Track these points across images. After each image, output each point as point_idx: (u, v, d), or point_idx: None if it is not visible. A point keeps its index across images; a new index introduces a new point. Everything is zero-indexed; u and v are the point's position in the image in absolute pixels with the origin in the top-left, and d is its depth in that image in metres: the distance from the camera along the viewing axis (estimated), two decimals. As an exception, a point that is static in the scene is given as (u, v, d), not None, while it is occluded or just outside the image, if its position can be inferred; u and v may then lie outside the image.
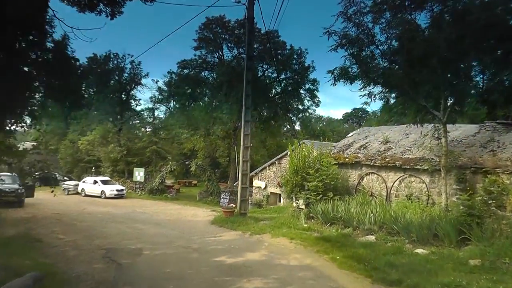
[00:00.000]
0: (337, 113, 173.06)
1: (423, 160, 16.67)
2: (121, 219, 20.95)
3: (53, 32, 17.81)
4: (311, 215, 17.20)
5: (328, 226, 15.71)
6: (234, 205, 20.64)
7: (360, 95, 15.57)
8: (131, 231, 16.66)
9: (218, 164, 51.44)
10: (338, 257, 10.89)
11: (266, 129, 47.76)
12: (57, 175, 46.60)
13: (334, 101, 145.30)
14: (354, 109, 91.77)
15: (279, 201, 32.20)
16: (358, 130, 26.84)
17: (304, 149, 19.90)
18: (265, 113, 48.92)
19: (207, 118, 41.77)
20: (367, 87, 14.90)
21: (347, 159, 19.75)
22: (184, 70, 42.40)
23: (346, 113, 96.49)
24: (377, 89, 15.29)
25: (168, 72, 47.71)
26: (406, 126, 19.02)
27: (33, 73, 19.74)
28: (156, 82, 45.87)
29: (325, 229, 15.36)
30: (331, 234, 14.18)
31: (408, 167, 17.03)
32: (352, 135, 23.94)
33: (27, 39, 18.63)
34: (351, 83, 14.83)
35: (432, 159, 16.29)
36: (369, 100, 15.37)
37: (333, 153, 20.44)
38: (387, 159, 18.14)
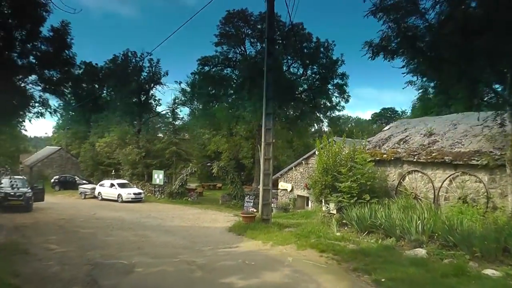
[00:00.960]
0: (364, 115, 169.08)
1: (479, 153, 13.80)
2: (130, 225, 18.83)
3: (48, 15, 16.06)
4: (344, 221, 14.61)
5: (365, 235, 13.09)
6: (255, 210, 18.22)
7: (404, 73, 12.96)
8: (135, 240, 14.46)
9: (243, 166, 49.17)
10: (383, 279, 8.30)
11: (292, 128, 45.24)
12: (76, 179, 45.26)
13: (361, 103, 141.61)
14: (383, 109, 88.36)
15: (307, 205, 29.65)
16: (395, 122, 23.96)
17: (334, 146, 17.25)
18: (291, 112, 46.47)
19: (230, 117, 39.53)
20: (411, 63, 12.24)
21: (384, 155, 16.97)
22: (205, 67, 40.34)
23: (374, 113, 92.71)
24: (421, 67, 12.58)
25: (192, 73, 46.08)
26: (457, 114, 16.18)
27: (30, 66, 17.99)
28: (179, 84, 43.97)
29: (362, 239, 12.74)
30: (370, 246, 11.57)
31: (461, 162, 14.16)
32: (389, 128, 21.11)
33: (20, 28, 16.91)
34: (392, 58, 12.14)
35: (491, 152, 13.42)
36: (414, 78, 12.65)
37: (367, 149, 17.73)
38: (433, 154, 15.30)
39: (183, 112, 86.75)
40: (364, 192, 15.04)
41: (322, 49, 37.99)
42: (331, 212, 15.87)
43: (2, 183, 24.55)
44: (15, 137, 56.94)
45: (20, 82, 17.90)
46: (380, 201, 14.62)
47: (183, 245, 13.55)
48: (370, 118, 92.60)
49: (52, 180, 46.23)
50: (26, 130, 78.20)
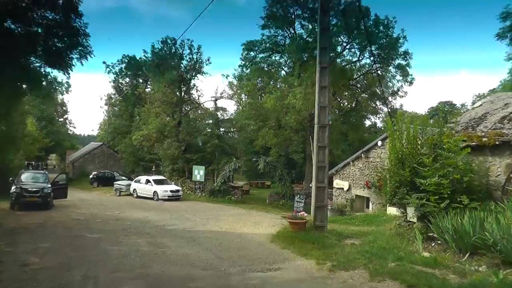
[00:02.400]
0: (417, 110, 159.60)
1: None
2: (151, 229, 15.34)
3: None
4: (431, 234, 10.28)
5: (467, 257, 8.71)
6: (305, 214, 14.14)
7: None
8: (146, 252, 10.88)
9: (293, 163, 45.04)
10: None
11: (346, 121, 40.63)
12: (115, 175, 42.94)
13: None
14: (440, 102, 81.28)
15: (367, 207, 25.20)
16: (489, 97, 18.89)
17: (411, 129, 12.73)
18: (345, 103, 41.88)
19: (278, 107, 35.59)
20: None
21: (484, 139, 12.27)
22: (250, 53, 36.54)
23: (431, 107, 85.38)
24: None
25: (240, 66, 42.55)
26: None
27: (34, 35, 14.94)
28: (226, 77, 40.44)
29: (466, 264, 8.37)
30: (486, 280, 7.23)
31: None
32: (480, 105, 16.13)
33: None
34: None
35: None
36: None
37: (457, 132, 13.11)
38: None
39: (230, 107, 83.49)
40: (459, 192, 10.61)
41: (381, 27, 33.15)
42: (410, 220, 11.53)
43: (21, 178, 22.19)
44: (60, 134, 56.51)
45: (25, 57, 14.95)
46: (483, 206, 10.16)
47: (205, 261, 9.75)
48: (427, 112, 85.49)
49: (91, 176, 44.30)
50: (75, 127, 78.46)
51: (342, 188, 26.77)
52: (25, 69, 14.60)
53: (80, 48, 13.98)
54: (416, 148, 12.16)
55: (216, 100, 38.50)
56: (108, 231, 14.74)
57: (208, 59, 38.87)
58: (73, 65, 14.86)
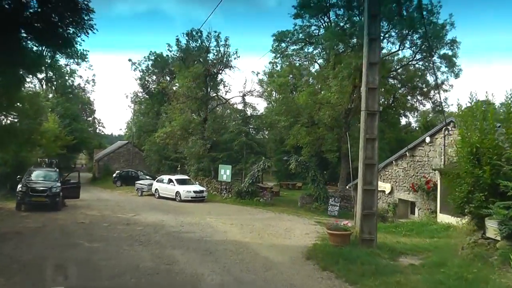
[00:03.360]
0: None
1: None
2: (162, 237, 12.99)
3: None
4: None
5: None
6: (348, 223, 11.40)
7: None
8: (145, 270, 8.55)
9: (326, 163, 41.94)
10: None
11: (383, 118, 37.17)
12: (139, 174, 41.12)
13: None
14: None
15: (411, 213, 22.27)
16: None
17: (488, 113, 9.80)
18: (381, 99, 38.52)
19: (311, 103, 32.84)
20: None
21: None
22: (282, 44, 33.87)
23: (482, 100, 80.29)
24: None
25: (270, 63, 39.91)
26: None
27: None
28: (257, 75, 37.77)
29: None
30: None
31: None
32: None
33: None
34: None
35: None
36: None
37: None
38: None
39: (259, 106, 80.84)
40: None
41: (425, 12, 29.80)
42: (491, 237, 8.69)
43: (29, 176, 20.36)
44: (85, 132, 55.30)
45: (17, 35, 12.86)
46: None
47: (220, 288, 7.29)
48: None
49: (114, 175, 42.65)
50: (103, 127, 77.95)
51: (383, 191, 23.82)
52: (20, 50, 12.46)
53: (80, 21, 11.76)
54: (494, 139, 9.33)
55: (244, 95, 35.87)
56: (111, 238, 12.50)
57: (236, 52, 36.33)
58: (74, 43, 12.66)
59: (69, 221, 15.95)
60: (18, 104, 21.19)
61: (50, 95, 51.50)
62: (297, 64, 37.18)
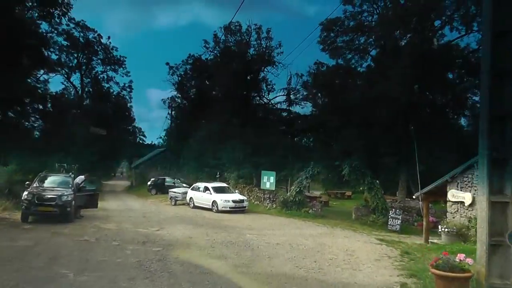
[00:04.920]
0: None
1: None
2: (180, 265, 9.32)
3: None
4: None
5: None
6: (465, 260, 7.07)
7: None
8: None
9: (377, 170, 36.88)
10: None
11: (438, 121, 31.71)
12: (175, 182, 37.99)
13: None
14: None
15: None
16: None
17: None
18: (438, 98, 33.28)
19: (365, 100, 28.68)
20: None
21: None
22: (330, 34, 29.93)
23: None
24: None
25: (315, 63, 36.12)
26: None
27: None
28: (301, 77, 33.77)
29: None
30: None
31: None
32: None
33: None
34: None
35: None
36: None
37: None
38: None
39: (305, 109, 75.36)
40: None
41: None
42: None
43: (38, 183, 17.34)
44: (119, 139, 53.10)
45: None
46: None
47: None
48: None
49: (148, 183, 39.81)
50: (144, 136, 76.62)
51: (462, 202, 19.12)
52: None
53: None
54: None
55: (289, 94, 31.84)
56: (111, 266, 8.92)
57: (280, 45, 32.53)
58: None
59: (72, 238, 12.55)
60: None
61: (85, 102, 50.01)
62: (348, 57, 32.99)
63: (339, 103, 30.68)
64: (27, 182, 17.34)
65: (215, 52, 34.83)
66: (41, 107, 25.18)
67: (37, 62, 22.32)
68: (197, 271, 8.63)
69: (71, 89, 51.57)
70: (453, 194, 18.95)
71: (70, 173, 19.35)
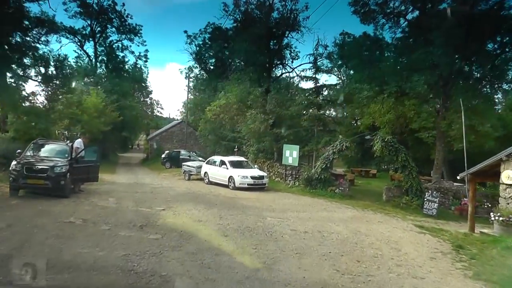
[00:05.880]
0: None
1: None
2: (179, 263, 6.99)
3: None
4: None
5: None
6: None
7: None
8: None
9: (410, 144, 33.48)
10: None
11: (476, 94, 27.80)
12: (191, 155, 35.83)
13: None
14: None
15: None
16: None
17: None
18: (474, 69, 29.37)
19: (399, 70, 25.70)
20: None
21: None
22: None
23: None
24: None
25: (341, 34, 32.85)
26: None
27: None
28: (325, 48, 30.51)
29: None
30: None
31: None
32: None
33: None
34: None
35: None
36: None
37: None
38: None
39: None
40: None
41: None
42: None
43: (30, 152, 15.24)
44: (134, 110, 51.00)
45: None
46: None
47: None
48: None
49: (163, 156, 37.75)
50: (162, 108, 74.33)
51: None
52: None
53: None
54: None
55: (315, 61, 28.72)
56: (88, 263, 6.59)
57: (306, 7, 29.36)
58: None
59: (56, 219, 10.30)
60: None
61: (99, 70, 47.86)
62: (381, 22, 29.57)
63: (369, 72, 27.57)
64: (18, 151, 15.17)
65: (235, 16, 31.69)
66: (42, 70, 23.05)
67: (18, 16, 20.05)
68: (201, 277, 6.25)
69: (84, 58, 49.74)
70: (508, 176, 16.14)
71: (67, 142, 17.07)
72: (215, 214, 12.65)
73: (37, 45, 22.75)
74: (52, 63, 23.04)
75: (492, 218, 14.57)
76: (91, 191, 16.45)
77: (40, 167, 13.75)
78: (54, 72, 23.30)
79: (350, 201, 19.69)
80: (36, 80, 22.90)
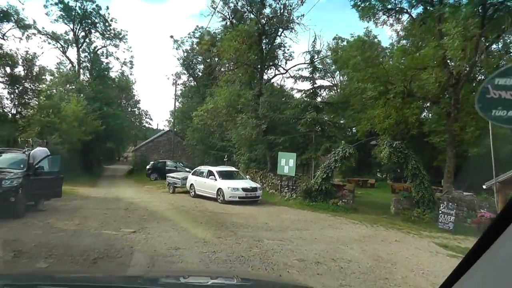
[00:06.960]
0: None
1: None
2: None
3: None
4: None
5: None
6: None
7: None
8: None
9: (417, 150, 30.93)
10: None
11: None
12: (177, 166, 33.27)
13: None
14: None
15: None
16: None
17: None
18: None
19: (404, 69, 23.49)
20: None
21: None
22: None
23: None
24: None
25: (334, 38, 30.67)
26: None
27: None
28: (318, 54, 28.31)
29: None
30: None
31: None
32: None
33: None
34: None
35: None
36: None
37: None
38: None
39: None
40: None
41: None
42: None
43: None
44: (118, 118, 48.37)
45: None
46: None
47: None
48: None
49: (147, 167, 35.23)
50: (151, 119, 72.16)
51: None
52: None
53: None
54: None
55: (312, 59, 26.25)
56: None
57: (302, 2, 26.86)
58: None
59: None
60: None
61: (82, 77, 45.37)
62: (382, 19, 27.35)
63: (372, 71, 25.27)
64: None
65: (224, 13, 29.26)
66: (8, 70, 20.51)
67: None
68: None
69: (66, 64, 47.38)
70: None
71: (25, 150, 14.39)
72: (198, 237, 10.07)
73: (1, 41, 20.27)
74: (20, 63, 20.59)
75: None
76: (55, 208, 13.94)
77: (-19, 181, 11.13)
78: (23, 72, 20.82)
79: (355, 215, 17.37)
80: (1, 82, 20.37)
